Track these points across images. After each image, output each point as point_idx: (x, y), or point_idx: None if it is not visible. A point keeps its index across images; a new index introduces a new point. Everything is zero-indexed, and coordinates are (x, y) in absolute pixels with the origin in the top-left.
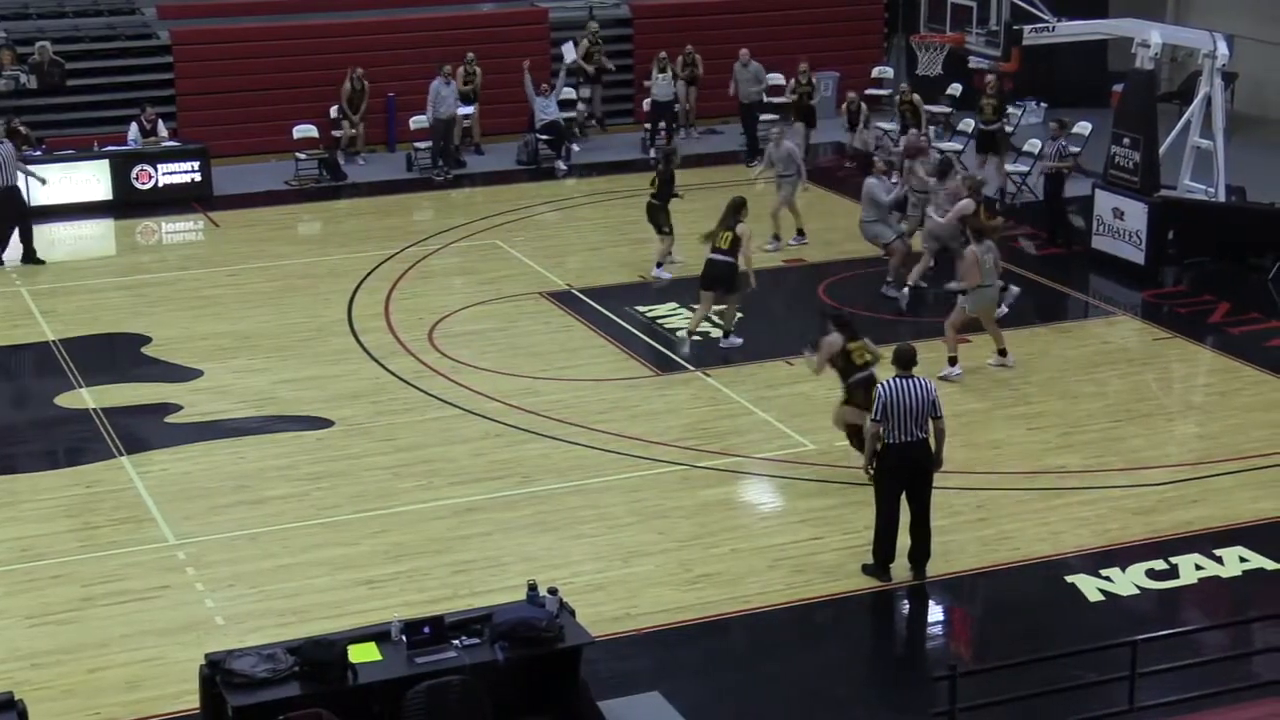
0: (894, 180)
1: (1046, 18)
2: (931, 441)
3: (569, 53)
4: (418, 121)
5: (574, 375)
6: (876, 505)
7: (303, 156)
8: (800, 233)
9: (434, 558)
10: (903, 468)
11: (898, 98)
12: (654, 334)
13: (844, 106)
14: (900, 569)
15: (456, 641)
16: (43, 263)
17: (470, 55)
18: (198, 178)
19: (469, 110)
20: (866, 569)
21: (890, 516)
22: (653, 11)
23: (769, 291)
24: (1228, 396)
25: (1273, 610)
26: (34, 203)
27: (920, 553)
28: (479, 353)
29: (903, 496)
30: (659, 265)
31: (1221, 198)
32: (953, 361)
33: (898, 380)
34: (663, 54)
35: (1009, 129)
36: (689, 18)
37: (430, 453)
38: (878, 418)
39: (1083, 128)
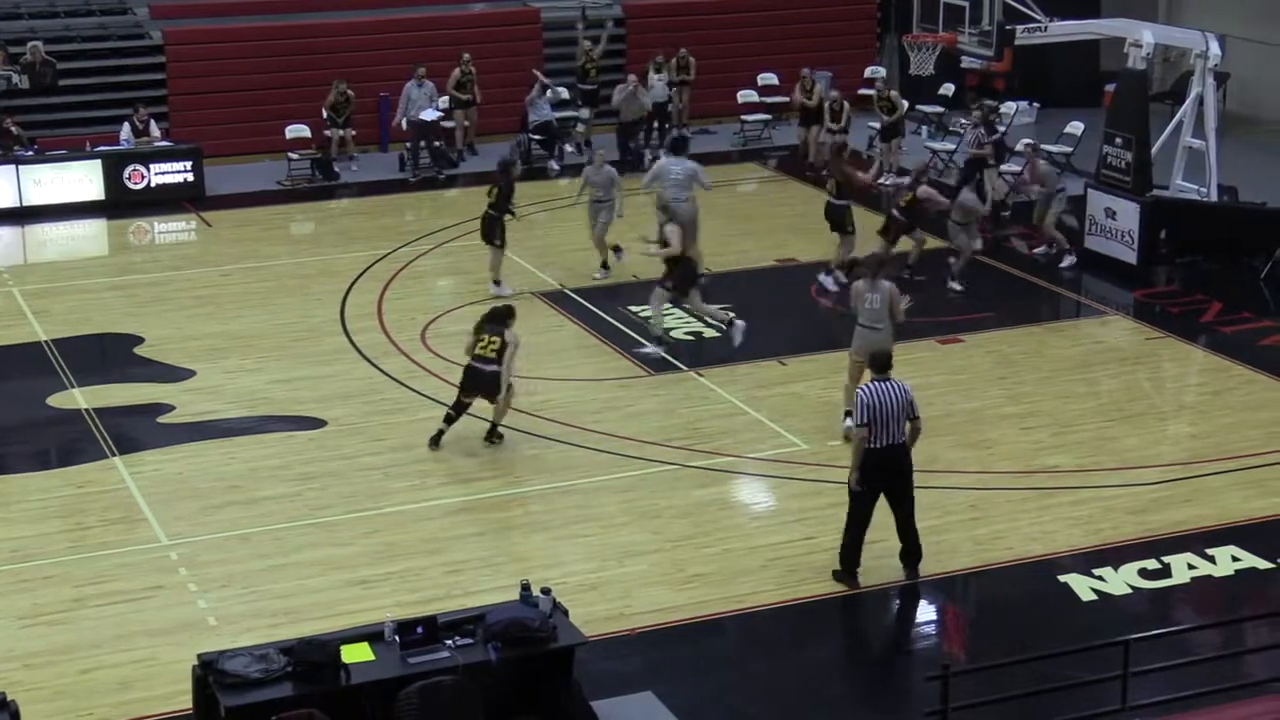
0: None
1: (1039, 18)
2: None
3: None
4: (401, 123)
5: (566, 375)
6: (850, 509)
7: (295, 156)
8: (605, 266)
9: (427, 558)
10: (883, 471)
11: (875, 93)
12: (646, 334)
13: (828, 105)
14: (893, 570)
15: (449, 642)
16: None
17: (466, 56)
18: (190, 178)
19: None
20: (836, 575)
21: (862, 521)
22: (645, 11)
23: (760, 291)
24: (1220, 396)
25: (1265, 609)
26: (26, 202)
27: (912, 553)
28: None
29: (878, 501)
30: (496, 283)
31: (1213, 197)
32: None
33: (876, 384)
34: (659, 56)
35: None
36: (681, 17)
37: (423, 453)
38: (864, 421)
39: (1075, 127)
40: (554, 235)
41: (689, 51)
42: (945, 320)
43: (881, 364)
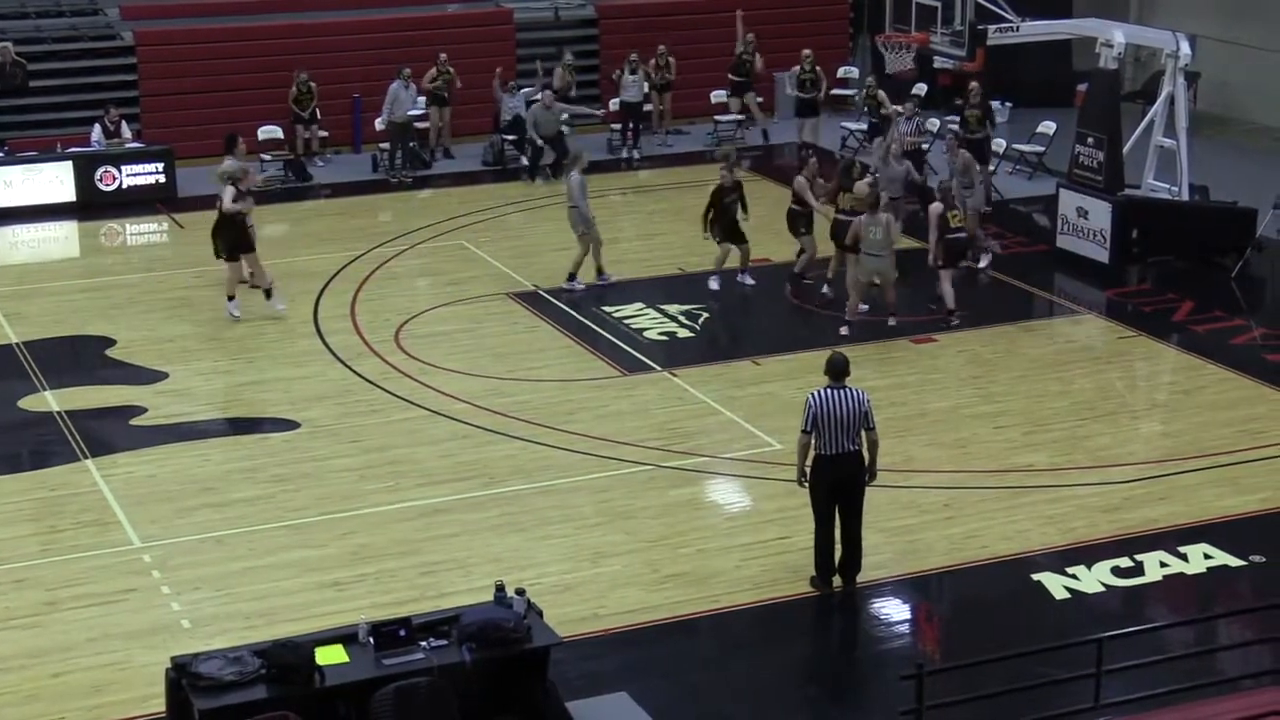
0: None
1: (1011, 18)
2: (864, 453)
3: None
4: (383, 123)
5: (541, 376)
6: (814, 517)
7: (268, 158)
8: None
9: (401, 559)
10: (834, 480)
11: (864, 92)
12: (620, 334)
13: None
14: (865, 570)
15: (424, 643)
16: None
17: (443, 56)
18: (162, 179)
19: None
20: (812, 581)
21: (827, 528)
22: (618, 12)
23: (733, 291)
24: (1192, 394)
25: (1236, 606)
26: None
27: (850, 564)
28: (445, 354)
29: (834, 508)
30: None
31: (1185, 197)
32: None
33: (828, 391)
34: (633, 55)
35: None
36: (654, 18)
37: (397, 454)
38: (807, 429)
39: (1047, 127)
40: (531, 236)
41: (668, 50)
42: (919, 320)
43: (837, 371)
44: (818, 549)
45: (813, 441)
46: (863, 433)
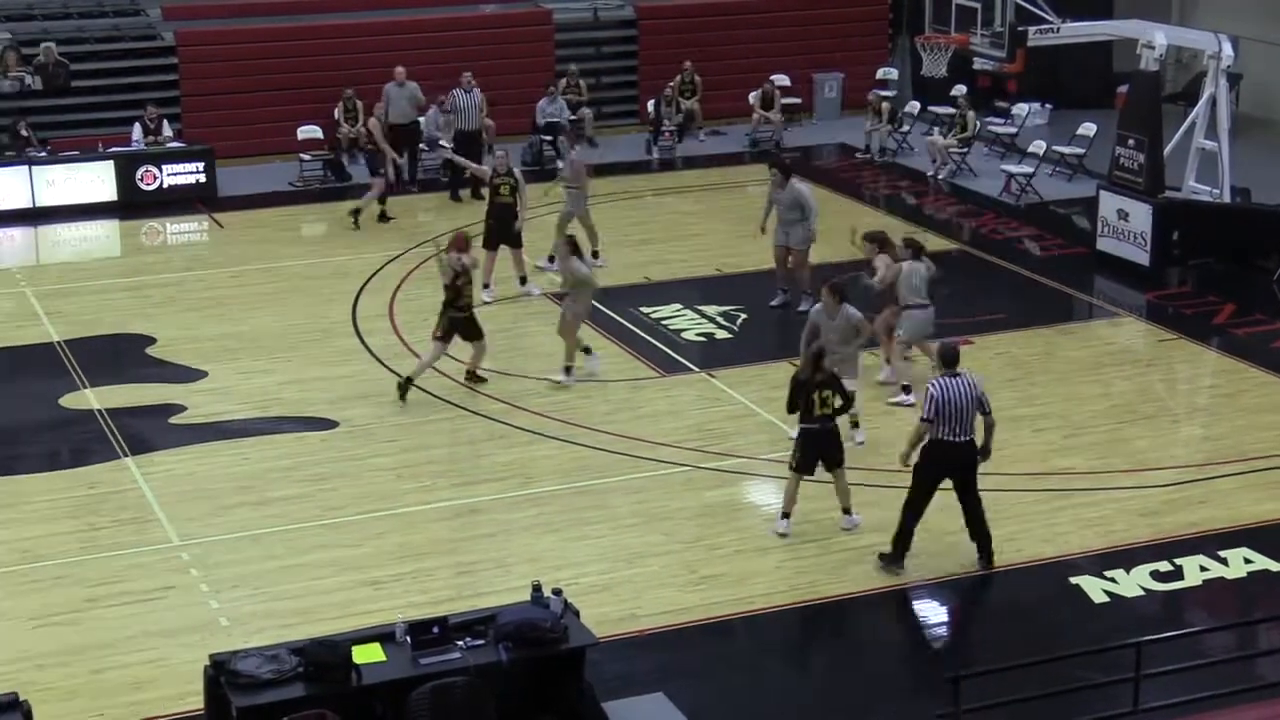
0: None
1: (1051, 19)
2: (978, 437)
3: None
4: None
5: (578, 376)
6: (909, 496)
7: (307, 157)
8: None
9: (438, 559)
10: (951, 464)
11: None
12: (658, 335)
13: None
14: (905, 571)
15: (461, 642)
16: None
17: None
18: (202, 179)
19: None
20: (883, 557)
21: (918, 509)
22: (657, 13)
23: (771, 292)
24: (1232, 398)
25: (1277, 612)
26: (39, 203)
27: (983, 541)
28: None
29: (935, 493)
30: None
31: (1226, 199)
32: None
33: (947, 379)
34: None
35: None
36: (693, 19)
37: (434, 454)
38: (930, 416)
39: (1087, 129)
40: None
41: (695, 68)
42: (955, 322)
43: (950, 359)
44: (902, 528)
45: (929, 429)
46: (979, 417)
